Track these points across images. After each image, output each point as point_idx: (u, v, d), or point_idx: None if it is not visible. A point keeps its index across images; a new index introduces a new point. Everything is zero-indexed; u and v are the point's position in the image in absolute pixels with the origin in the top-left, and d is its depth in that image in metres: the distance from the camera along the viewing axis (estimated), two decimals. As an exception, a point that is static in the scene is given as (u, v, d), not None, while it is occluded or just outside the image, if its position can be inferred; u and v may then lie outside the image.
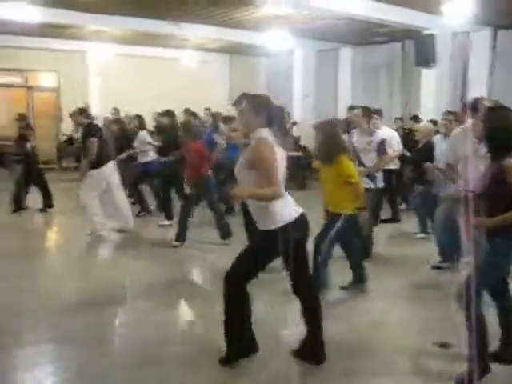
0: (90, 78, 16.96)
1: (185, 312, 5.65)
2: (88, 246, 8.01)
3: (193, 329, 4.99)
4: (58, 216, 10.21)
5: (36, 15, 10.78)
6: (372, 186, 6.68)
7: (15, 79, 17.14)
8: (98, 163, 8.09)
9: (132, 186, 10.04)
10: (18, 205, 10.13)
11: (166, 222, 8.97)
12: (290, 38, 12.99)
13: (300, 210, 3.96)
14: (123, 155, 9.81)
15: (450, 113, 6.74)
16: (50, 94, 17.22)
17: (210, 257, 7.21)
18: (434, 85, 12.24)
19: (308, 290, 4.12)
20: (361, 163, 6.59)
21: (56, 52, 15.91)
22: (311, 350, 4.11)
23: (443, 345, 4.40)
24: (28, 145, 10.05)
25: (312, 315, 4.09)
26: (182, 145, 8.32)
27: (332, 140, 5.35)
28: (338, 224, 5.35)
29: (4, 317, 5.06)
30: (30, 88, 17.01)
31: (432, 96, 12.16)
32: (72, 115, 8.60)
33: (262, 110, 3.86)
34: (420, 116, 11.55)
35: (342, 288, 5.75)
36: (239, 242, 5.97)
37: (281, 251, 3.84)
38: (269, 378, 3.96)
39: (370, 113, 7.10)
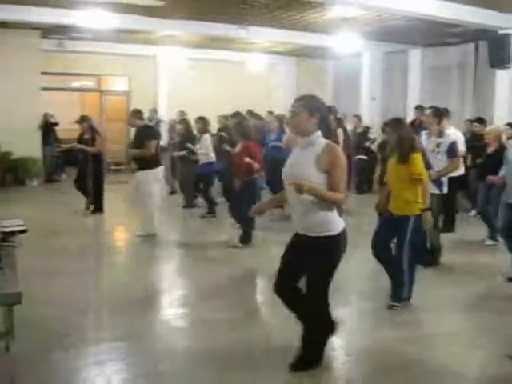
0: (160, 81, 17.29)
1: (251, 314, 5.64)
2: (144, 247, 8.11)
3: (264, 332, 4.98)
4: (118, 217, 10.43)
5: (109, 22, 11.10)
6: (437, 191, 6.50)
7: (89, 83, 17.70)
8: (153, 165, 8.25)
9: (200, 188, 10.31)
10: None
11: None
12: (358, 40, 12.84)
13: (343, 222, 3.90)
14: (181, 153, 9.99)
15: None
16: (121, 98, 17.66)
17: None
18: (510, 87, 11.79)
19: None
20: (429, 166, 6.43)
21: (127, 57, 16.31)
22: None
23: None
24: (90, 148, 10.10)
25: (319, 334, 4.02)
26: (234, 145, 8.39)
27: (406, 138, 5.28)
28: (409, 226, 5.21)
29: (69, 314, 5.16)
30: (102, 92, 17.49)
31: (507, 99, 11.72)
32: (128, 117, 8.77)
33: (317, 112, 3.81)
34: (494, 119, 11.16)
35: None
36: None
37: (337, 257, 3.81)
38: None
39: (441, 114, 6.91)
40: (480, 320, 5.21)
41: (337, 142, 4.39)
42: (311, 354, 4.01)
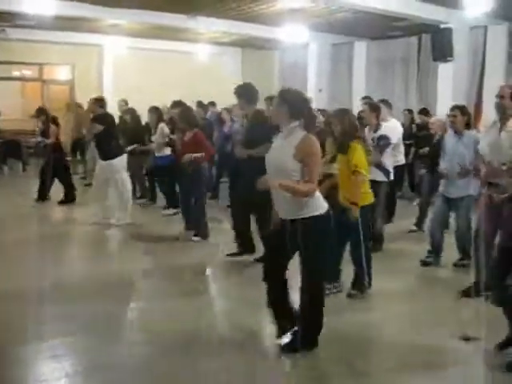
0: (105, 71, 16.98)
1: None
2: (100, 236, 8.09)
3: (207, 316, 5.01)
4: (71, 207, 10.21)
5: (52, 8, 10.79)
6: (384, 179, 6.69)
7: (30, 72, 17.22)
8: (112, 154, 8.28)
9: (147, 177, 10.27)
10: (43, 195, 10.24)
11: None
12: (306, 32, 12.92)
13: (326, 205, 4.06)
14: (131, 147, 9.88)
15: (456, 108, 6.53)
16: (63, 87, 17.26)
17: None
18: (451, 79, 12.12)
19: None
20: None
21: (71, 45, 15.93)
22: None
23: (467, 338, 4.39)
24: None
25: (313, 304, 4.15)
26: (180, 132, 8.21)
27: (348, 127, 5.32)
28: (361, 216, 5.24)
29: (23, 307, 5.09)
30: (44, 81, 17.04)
31: (449, 91, 12.04)
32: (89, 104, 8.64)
33: (285, 103, 4.00)
34: (437, 110, 11.46)
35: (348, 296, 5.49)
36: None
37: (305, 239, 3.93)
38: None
39: (377, 108, 7.04)
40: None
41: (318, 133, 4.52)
42: (307, 336, 4.12)
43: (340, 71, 16.45)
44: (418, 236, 7.88)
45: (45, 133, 10.23)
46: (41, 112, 10.53)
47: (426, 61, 13.87)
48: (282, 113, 4.00)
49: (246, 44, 17.50)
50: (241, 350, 4.25)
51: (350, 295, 5.41)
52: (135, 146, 10.05)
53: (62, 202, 10.17)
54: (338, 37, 15.53)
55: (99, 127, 8.18)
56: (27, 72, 17.39)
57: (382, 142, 6.81)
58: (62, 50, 16.02)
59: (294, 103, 4.00)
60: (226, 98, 15.18)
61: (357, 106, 14.55)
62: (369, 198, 5.43)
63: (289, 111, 3.97)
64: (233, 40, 16.59)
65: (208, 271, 6.71)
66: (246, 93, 6.43)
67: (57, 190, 10.34)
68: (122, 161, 8.44)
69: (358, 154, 5.22)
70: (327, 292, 5.06)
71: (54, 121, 10.42)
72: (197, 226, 7.63)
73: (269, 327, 4.45)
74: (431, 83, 13.65)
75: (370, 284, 5.46)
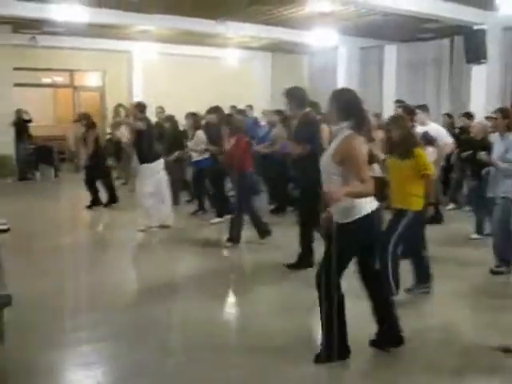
0: (134, 77, 17.08)
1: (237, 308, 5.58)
2: (143, 242, 8.06)
3: (253, 323, 4.92)
4: (110, 212, 10.28)
5: (82, 15, 10.87)
6: None
7: (62, 79, 17.42)
8: (149, 158, 8.26)
9: (193, 184, 10.14)
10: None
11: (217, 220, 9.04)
12: (335, 36, 12.83)
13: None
14: (174, 155, 9.88)
15: (498, 110, 6.51)
16: (94, 94, 17.42)
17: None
18: (485, 82, 11.90)
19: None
20: None
21: (101, 52, 16.08)
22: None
23: (507, 350, 4.24)
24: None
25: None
26: (223, 138, 8.15)
27: (408, 133, 5.35)
28: (405, 221, 5.18)
29: (55, 315, 5.06)
30: (75, 88, 17.22)
31: (483, 93, 11.83)
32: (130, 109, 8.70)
33: (334, 103, 3.94)
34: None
35: (408, 290, 5.53)
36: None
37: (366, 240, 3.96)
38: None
39: (411, 111, 6.94)
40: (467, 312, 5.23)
41: (370, 136, 4.49)
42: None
43: (370, 75, 16.32)
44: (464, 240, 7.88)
45: (85, 139, 10.40)
46: (83, 117, 10.67)
47: (459, 63, 13.65)
48: (331, 113, 3.96)
49: (276, 48, 17.45)
50: (277, 356, 4.17)
51: None
52: (177, 153, 10.02)
53: (106, 205, 10.38)
54: (368, 40, 15.42)
55: (141, 125, 8.17)
56: (58, 78, 17.60)
57: (427, 138, 6.71)
58: (93, 57, 16.16)
59: (342, 103, 3.91)
60: (255, 103, 15.28)
61: (387, 110, 14.48)
62: (420, 204, 5.27)
63: (337, 111, 3.91)
64: (262, 44, 16.56)
65: (242, 276, 6.62)
66: (296, 96, 6.42)
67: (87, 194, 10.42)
68: (158, 165, 8.40)
69: (425, 158, 5.26)
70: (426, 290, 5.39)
71: (94, 126, 10.54)
72: (230, 231, 7.60)
73: (309, 334, 4.37)
74: (464, 86, 13.42)
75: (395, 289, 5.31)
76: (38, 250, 7.55)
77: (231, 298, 5.64)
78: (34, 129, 14.85)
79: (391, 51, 15.84)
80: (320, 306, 3.96)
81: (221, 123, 8.04)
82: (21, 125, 14.25)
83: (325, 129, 7.11)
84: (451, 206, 10.04)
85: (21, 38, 14.30)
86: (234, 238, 7.53)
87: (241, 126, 8.11)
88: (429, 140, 6.73)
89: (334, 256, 3.82)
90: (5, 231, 3.70)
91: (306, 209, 6.41)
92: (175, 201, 10.57)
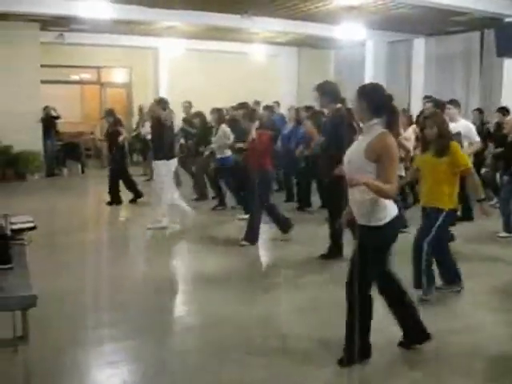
0: (161, 73, 17.10)
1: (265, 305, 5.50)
2: (154, 241, 8.00)
3: (270, 321, 4.84)
4: (135, 208, 10.32)
5: (109, 12, 10.90)
6: None
7: (89, 76, 17.52)
8: (169, 155, 8.24)
9: (211, 180, 10.19)
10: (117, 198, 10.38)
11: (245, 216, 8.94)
12: (362, 30, 12.66)
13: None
14: (208, 150, 9.88)
15: None
16: (121, 90, 17.49)
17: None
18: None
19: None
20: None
21: (127, 48, 16.13)
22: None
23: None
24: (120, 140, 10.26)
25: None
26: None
27: (445, 130, 5.21)
28: (440, 220, 5.06)
29: (80, 312, 5.06)
30: (102, 84, 17.30)
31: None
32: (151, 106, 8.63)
33: (365, 98, 3.79)
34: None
35: (437, 289, 5.39)
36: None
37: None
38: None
39: (442, 106, 6.77)
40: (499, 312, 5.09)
41: (398, 131, 4.36)
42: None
43: (397, 69, 16.09)
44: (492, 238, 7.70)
45: (112, 134, 10.37)
46: (109, 114, 10.68)
47: (489, 57, 13.38)
48: (360, 110, 3.81)
49: (302, 43, 17.32)
50: (301, 357, 4.10)
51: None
52: (209, 147, 9.96)
53: (132, 201, 10.45)
54: (395, 34, 15.18)
55: (163, 114, 8.17)
56: (85, 75, 17.70)
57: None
58: (119, 53, 16.23)
59: (372, 99, 3.77)
60: (282, 99, 15.17)
61: (415, 105, 14.27)
62: (454, 202, 5.17)
63: (368, 108, 3.76)
64: (288, 39, 16.45)
65: (265, 274, 6.55)
66: (328, 90, 6.33)
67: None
68: (168, 164, 8.27)
69: (463, 154, 5.17)
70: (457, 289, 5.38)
71: (120, 123, 10.56)
72: (247, 229, 7.45)
73: (333, 334, 4.28)
74: (495, 80, 13.14)
75: (427, 289, 5.20)
76: (61, 246, 7.58)
77: (255, 297, 5.54)
78: (62, 125, 14.97)
79: (419, 45, 15.57)
80: (349, 309, 3.86)
81: (244, 118, 7.92)
82: (49, 121, 14.37)
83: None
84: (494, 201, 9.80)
85: (48, 35, 14.42)
86: (251, 239, 7.36)
87: (263, 121, 8.02)
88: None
89: (366, 260, 3.74)
90: (31, 229, 3.66)
91: (332, 201, 6.34)
92: (203, 196, 10.59)
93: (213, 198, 10.48)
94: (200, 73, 16.68)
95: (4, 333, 3.25)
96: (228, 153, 9.57)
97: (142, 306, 5.27)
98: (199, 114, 10.64)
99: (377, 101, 3.76)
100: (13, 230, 3.30)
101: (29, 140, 13.40)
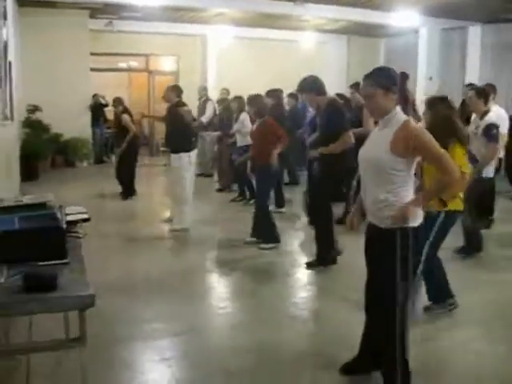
0: (209, 61, 16.97)
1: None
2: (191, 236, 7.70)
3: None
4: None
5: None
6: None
7: (137, 64, 17.53)
8: (187, 146, 7.60)
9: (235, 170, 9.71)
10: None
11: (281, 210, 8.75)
12: (416, 17, 12.26)
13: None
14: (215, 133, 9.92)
15: None
16: (169, 78, 17.43)
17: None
18: None
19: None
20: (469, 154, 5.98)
21: (176, 36, 16.05)
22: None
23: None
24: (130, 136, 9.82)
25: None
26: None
27: (445, 121, 4.48)
28: (439, 222, 4.42)
29: (130, 305, 4.96)
30: (150, 72, 17.28)
31: None
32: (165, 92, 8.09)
33: (393, 84, 3.25)
34: None
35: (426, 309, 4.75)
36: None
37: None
38: None
39: (485, 93, 6.30)
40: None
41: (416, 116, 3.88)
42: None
43: (452, 58, 15.59)
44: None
45: (121, 123, 9.96)
46: (118, 102, 10.17)
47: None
48: (389, 99, 3.23)
49: (352, 31, 16.93)
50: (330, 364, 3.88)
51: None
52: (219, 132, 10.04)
53: (124, 196, 9.97)
54: (450, 21, 14.69)
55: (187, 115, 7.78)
56: (134, 63, 17.72)
57: (492, 133, 5.99)
58: (168, 41, 16.14)
59: (394, 84, 3.24)
60: (330, 88, 14.83)
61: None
62: (456, 204, 4.50)
63: (388, 97, 3.22)
64: (339, 27, 16.08)
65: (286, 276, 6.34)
66: (309, 86, 5.83)
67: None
68: (184, 157, 7.51)
69: (459, 155, 4.40)
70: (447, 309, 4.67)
71: (129, 112, 10.09)
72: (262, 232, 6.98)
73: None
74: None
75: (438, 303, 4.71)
76: (110, 236, 7.53)
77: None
78: (110, 113, 15.00)
79: (475, 33, 15.02)
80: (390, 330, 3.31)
81: (250, 104, 7.32)
82: (97, 109, 14.45)
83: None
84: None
85: (97, 23, 14.44)
86: (268, 238, 6.85)
87: (264, 108, 7.28)
88: (490, 136, 5.97)
89: (402, 266, 3.23)
90: (85, 220, 3.54)
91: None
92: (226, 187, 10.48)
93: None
94: (248, 61, 16.47)
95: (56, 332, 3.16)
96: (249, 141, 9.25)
97: (191, 301, 5.13)
98: (237, 98, 10.06)
99: (394, 85, 3.25)
100: (68, 222, 3.18)
101: (78, 128, 13.51)
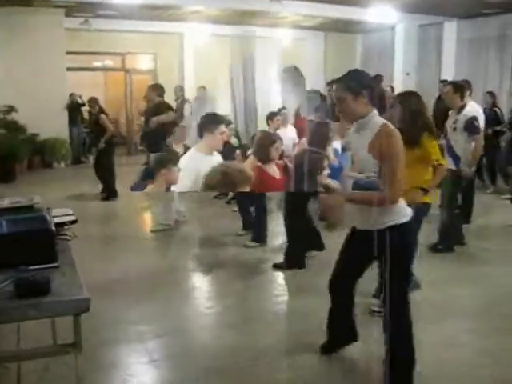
0: (186, 59, 16.85)
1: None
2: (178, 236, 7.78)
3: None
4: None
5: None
6: (453, 166, 6.01)
7: (113, 63, 17.37)
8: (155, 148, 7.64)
9: None
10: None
11: None
12: (393, 13, 12.33)
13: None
14: None
15: None
16: (146, 77, 17.31)
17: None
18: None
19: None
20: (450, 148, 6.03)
21: (152, 34, 15.91)
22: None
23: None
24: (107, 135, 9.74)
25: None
26: None
27: (417, 116, 4.52)
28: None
29: (116, 306, 4.91)
30: (127, 71, 17.13)
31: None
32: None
33: (364, 87, 3.25)
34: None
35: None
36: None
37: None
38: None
39: (462, 88, 6.38)
40: None
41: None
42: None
43: (428, 53, 15.69)
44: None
45: (96, 123, 9.87)
46: (95, 102, 10.08)
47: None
48: (360, 103, 3.24)
49: (329, 28, 16.95)
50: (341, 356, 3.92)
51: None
52: None
53: (104, 198, 9.80)
54: (427, 17, 14.77)
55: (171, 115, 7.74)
56: (110, 62, 17.55)
57: (474, 125, 6.18)
58: (144, 40, 16.00)
59: (368, 86, 3.26)
60: (308, 85, 14.85)
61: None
62: (430, 197, 4.60)
63: (363, 99, 3.23)
64: (316, 24, 16.09)
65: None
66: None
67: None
68: None
69: (434, 148, 4.54)
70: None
71: (104, 112, 10.02)
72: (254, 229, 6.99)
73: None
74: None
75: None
76: (95, 237, 7.44)
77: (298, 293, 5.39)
78: (86, 113, 14.84)
79: (451, 28, 15.15)
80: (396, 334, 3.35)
81: None
82: (74, 108, 14.28)
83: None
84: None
85: (73, 21, 14.22)
86: (257, 237, 6.83)
87: None
88: (474, 128, 6.16)
89: (401, 267, 3.29)
90: (72, 222, 3.48)
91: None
92: None
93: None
94: (226, 59, 16.40)
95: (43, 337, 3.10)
96: None
97: (178, 299, 5.12)
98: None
99: (373, 87, 3.30)
100: (55, 224, 3.12)
101: (55, 128, 13.31)
